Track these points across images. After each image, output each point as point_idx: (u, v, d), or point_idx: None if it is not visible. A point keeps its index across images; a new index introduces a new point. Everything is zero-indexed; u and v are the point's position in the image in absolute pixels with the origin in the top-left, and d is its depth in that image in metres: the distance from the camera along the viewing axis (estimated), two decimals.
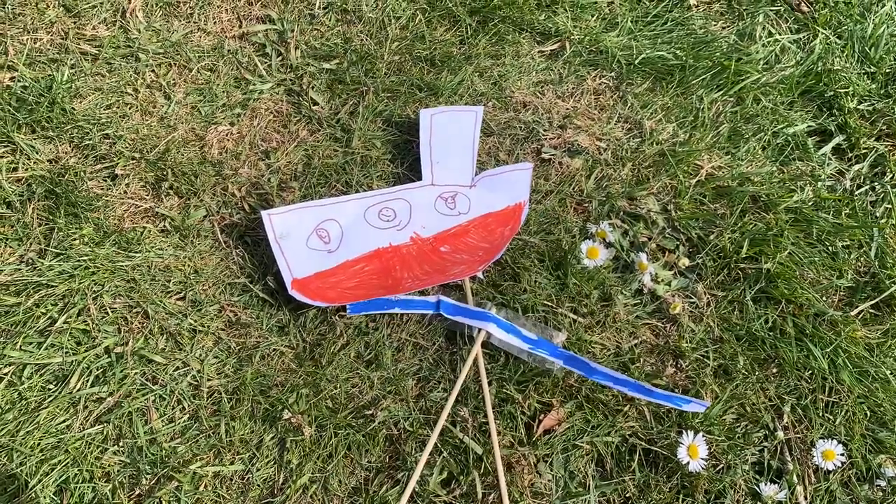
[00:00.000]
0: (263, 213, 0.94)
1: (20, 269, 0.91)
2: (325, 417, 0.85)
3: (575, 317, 0.94)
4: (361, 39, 1.14)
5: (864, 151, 1.15)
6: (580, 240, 0.98)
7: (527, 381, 0.89)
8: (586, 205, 1.03)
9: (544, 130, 1.09)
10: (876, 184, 1.12)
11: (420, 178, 1.02)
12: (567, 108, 1.11)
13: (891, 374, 0.94)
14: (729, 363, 0.93)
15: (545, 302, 0.94)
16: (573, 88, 1.14)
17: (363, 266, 0.95)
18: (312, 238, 0.95)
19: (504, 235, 0.97)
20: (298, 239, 0.94)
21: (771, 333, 0.96)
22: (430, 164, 1.03)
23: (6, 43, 1.06)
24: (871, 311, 1.00)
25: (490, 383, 0.88)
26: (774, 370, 0.94)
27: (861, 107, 1.19)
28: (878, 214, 1.09)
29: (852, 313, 0.99)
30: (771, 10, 1.29)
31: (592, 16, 1.22)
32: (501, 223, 0.99)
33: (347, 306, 0.89)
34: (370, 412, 0.86)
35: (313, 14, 1.15)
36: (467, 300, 0.92)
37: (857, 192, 1.11)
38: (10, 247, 0.93)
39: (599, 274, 0.96)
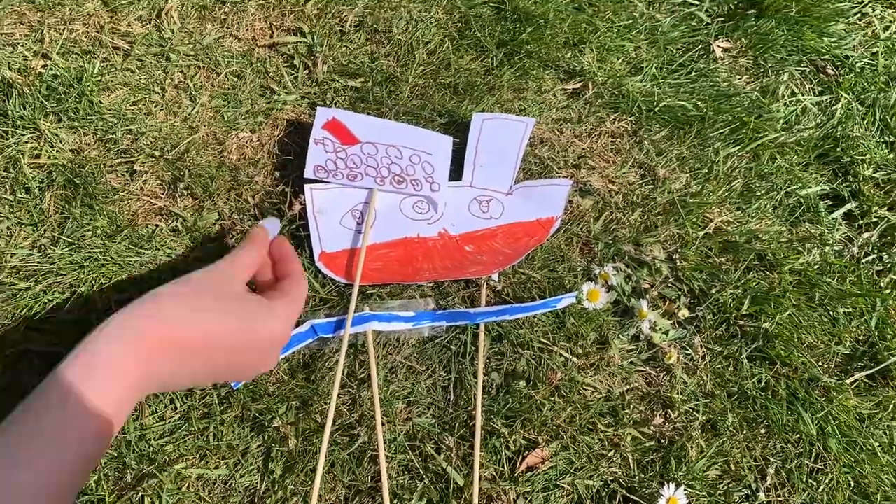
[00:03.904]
0: (307, 186, 0.97)
1: (32, 255, 0.93)
2: (311, 431, 0.86)
3: (569, 356, 0.95)
4: (388, 61, 1.16)
5: (874, 220, 1.15)
6: (582, 280, 0.99)
7: (514, 417, 0.90)
8: (592, 246, 1.04)
9: (558, 168, 1.10)
10: (884, 254, 1.13)
11: (459, 178, 1.05)
12: (583, 148, 1.13)
13: (879, 446, 0.94)
14: (718, 419, 0.93)
15: (541, 339, 0.95)
16: (591, 129, 1.15)
17: (388, 252, 0.97)
18: (347, 217, 0.98)
19: (528, 245, 0.99)
20: (334, 216, 0.98)
21: (763, 393, 0.96)
22: (473, 166, 1.05)
23: (43, 31, 1.09)
24: (865, 380, 1.00)
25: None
26: (763, 431, 0.94)
27: (876, 175, 1.20)
28: (882, 285, 1.09)
29: (847, 381, 0.99)
30: (796, 70, 1.30)
31: (618, 59, 1.23)
32: (528, 234, 1.01)
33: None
34: (356, 432, 0.87)
35: (344, 31, 1.17)
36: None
37: (864, 260, 1.11)
38: (25, 231, 0.95)
39: (598, 317, 0.97)
